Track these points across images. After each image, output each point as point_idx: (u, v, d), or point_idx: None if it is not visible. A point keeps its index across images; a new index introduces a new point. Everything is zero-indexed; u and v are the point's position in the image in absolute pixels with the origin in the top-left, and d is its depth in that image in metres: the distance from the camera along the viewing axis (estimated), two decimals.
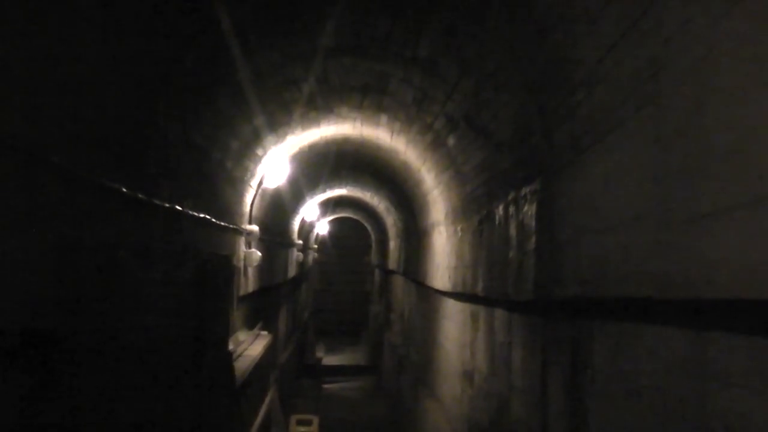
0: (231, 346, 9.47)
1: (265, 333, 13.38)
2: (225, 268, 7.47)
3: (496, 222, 7.28)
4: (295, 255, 22.04)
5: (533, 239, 5.74)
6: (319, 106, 10.08)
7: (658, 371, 3.49)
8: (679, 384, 3.23)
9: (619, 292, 3.81)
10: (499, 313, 7.55)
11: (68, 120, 4.42)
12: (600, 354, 4.40)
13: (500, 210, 7.09)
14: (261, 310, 14.09)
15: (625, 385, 3.94)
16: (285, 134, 10.73)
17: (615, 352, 4.14)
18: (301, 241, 23.66)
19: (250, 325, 12.79)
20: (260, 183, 11.67)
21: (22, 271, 3.86)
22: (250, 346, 11.46)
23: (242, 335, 11.63)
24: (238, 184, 10.32)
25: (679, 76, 3.04)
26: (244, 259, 11.41)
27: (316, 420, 14.99)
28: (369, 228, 33.32)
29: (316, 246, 33.97)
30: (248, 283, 11.97)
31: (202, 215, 7.86)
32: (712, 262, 2.74)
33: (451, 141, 8.96)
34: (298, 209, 19.49)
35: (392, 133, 11.04)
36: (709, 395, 2.94)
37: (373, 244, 33.99)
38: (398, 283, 21.46)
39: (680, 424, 3.23)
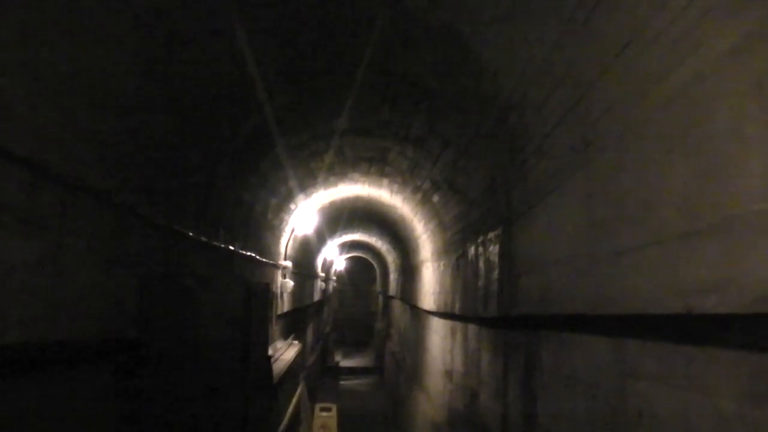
0: (270, 352, 9.43)
1: (296, 342, 13.30)
2: (266, 293, 7.45)
3: (469, 259, 7.28)
4: (319, 284, 21.96)
5: (496, 272, 5.73)
6: (336, 172, 10.12)
7: (589, 369, 3.48)
8: (605, 378, 3.22)
9: (560, 310, 3.81)
10: (472, 327, 7.53)
11: (149, 182, 4.45)
12: (546, 357, 4.39)
13: (472, 250, 7.09)
14: (293, 325, 14.02)
15: (564, 380, 3.92)
16: (311, 193, 10.76)
17: (557, 356, 4.13)
18: (323, 274, 23.59)
19: (285, 336, 12.72)
20: (292, 230, 11.68)
21: (114, 293, 3.87)
22: (284, 352, 11.39)
23: (279, 344, 11.57)
24: (276, 231, 10.33)
25: (603, 148, 3.06)
26: (281, 287, 11.39)
27: (335, 407, 14.85)
28: (375, 264, 33.21)
29: (334, 277, 33.82)
30: (283, 305, 11.93)
31: (248, 254, 7.87)
32: (627, 287, 2.75)
33: (435, 198, 8.98)
34: (321, 249, 19.45)
35: (392, 192, 11.07)
36: (627, 386, 2.93)
37: (378, 276, 33.86)
38: (396, 305, 21.37)
39: (605, 408, 3.22)
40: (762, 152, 1.78)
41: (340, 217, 15.09)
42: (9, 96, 2.62)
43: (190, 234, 5.34)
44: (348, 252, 30.80)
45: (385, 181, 10.51)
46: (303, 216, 11.49)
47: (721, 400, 2.12)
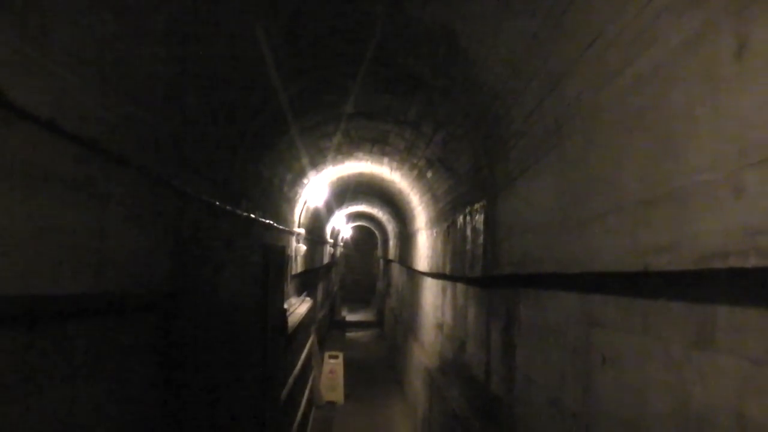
0: (285, 306, 9.49)
1: (308, 299, 13.36)
2: (282, 255, 7.51)
3: (458, 227, 7.32)
4: (328, 249, 22.00)
5: (481, 237, 5.77)
6: (343, 151, 10.11)
7: (560, 320, 3.53)
8: (574, 328, 3.27)
9: (536, 270, 3.85)
10: (460, 286, 7.58)
11: (181, 158, 4.47)
12: (524, 310, 4.43)
13: (460, 219, 7.13)
14: (306, 284, 14.08)
15: (539, 330, 3.98)
16: (321, 169, 10.76)
17: (533, 309, 4.17)
18: (332, 240, 23.61)
19: (298, 293, 12.78)
20: (305, 201, 11.70)
21: (151, 253, 3.91)
22: (298, 307, 11.45)
23: (293, 300, 11.63)
24: (290, 202, 10.35)
25: (574, 129, 3.09)
26: (295, 251, 11.42)
27: (341, 355, 14.96)
28: (376, 232, 33.22)
29: (341, 244, 33.83)
30: (297, 266, 11.97)
31: (267, 221, 7.90)
32: (593, 248, 2.78)
33: (429, 174, 8.99)
34: (330, 219, 19.45)
35: (391, 169, 11.07)
36: (592, 335, 2.98)
37: (379, 243, 33.88)
38: (395, 268, 21.45)
39: (574, 353, 3.27)
40: (708, 130, 1.81)
41: (346, 191, 15.10)
42: (66, 83, 2.64)
43: (216, 203, 5.36)
44: (353, 221, 30.82)
45: (386, 159, 10.51)
46: (314, 189, 11.50)
47: (671, 346, 2.17)
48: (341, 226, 26.31)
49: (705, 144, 1.82)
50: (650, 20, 2.16)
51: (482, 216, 5.76)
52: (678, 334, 2.12)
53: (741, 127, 1.64)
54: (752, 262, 1.57)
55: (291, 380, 9.01)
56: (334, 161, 10.68)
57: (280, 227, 9.16)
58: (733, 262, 1.66)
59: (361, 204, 20.32)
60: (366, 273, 38.94)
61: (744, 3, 1.63)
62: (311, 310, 13.42)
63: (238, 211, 6.24)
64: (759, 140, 1.56)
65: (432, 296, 10.69)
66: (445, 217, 8.53)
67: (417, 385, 11.87)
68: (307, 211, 12.38)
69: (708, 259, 1.79)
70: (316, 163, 10.06)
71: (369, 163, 11.18)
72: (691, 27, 1.90)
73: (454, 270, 7.70)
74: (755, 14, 1.58)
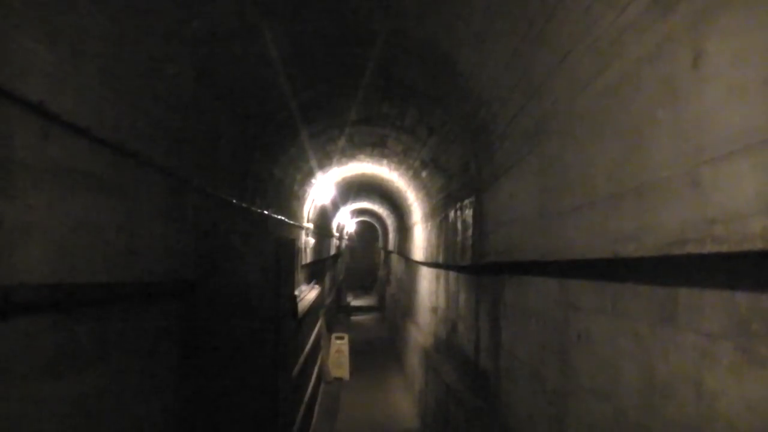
0: (296, 293, 9.49)
1: (317, 286, 13.34)
2: (292, 247, 7.47)
3: (450, 220, 7.33)
4: (334, 242, 21.94)
5: (470, 230, 5.79)
6: (347, 154, 10.11)
7: (540, 303, 3.55)
8: (553, 310, 3.29)
9: (519, 258, 3.86)
10: (452, 273, 7.60)
11: (202, 160, 4.49)
12: (508, 294, 4.45)
13: (452, 213, 7.14)
14: (314, 273, 14.07)
15: (522, 312, 3.99)
16: (327, 170, 10.76)
17: (517, 293, 4.19)
18: (337, 234, 23.58)
19: (308, 281, 12.76)
20: (313, 199, 11.69)
21: (175, 246, 3.93)
22: (307, 294, 11.44)
23: (303, 287, 11.60)
24: (300, 199, 10.36)
25: (552, 132, 3.10)
26: (304, 243, 11.41)
27: (347, 336, 14.98)
28: (377, 226, 33.14)
29: (346, 237, 33.74)
30: (307, 257, 11.97)
31: (279, 217, 7.91)
32: (569, 238, 2.80)
33: (424, 174, 9.00)
34: (336, 215, 19.43)
35: (390, 170, 11.07)
36: (570, 316, 2.99)
37: (380, 236, 33.83)
38: (394, 258, 21.44)
39: (552, 332, 3.28)
40: (668, 132, 1.82)
41: (350, 189, 15.08)
42: (100, 94, 2.65)
43: (234, 201, 5.38)
44: (357, 217, 30.77)
45: (385, 161, 10.52)
46: (321, 188, 11.49)
47: (638, 324, 2.19)
48: (346, 221, 26.29)
49: (666, 144, 1.83)
50: (616, 35, 2.17)
51: (471, 210, 5.77)
52: (644, 314, 2.14)
53: (697, 129, 1.65)
54: (708, 248, 1.59)
55: (302, 359, 9.01)
56: (339, 163, 10.68)
57: (291, 222, 9.17)
58: (692, 249, 1.67)
59: (364, 201, 20.30)
60: (368, 263, 38.90)
61: (700, 18, 1.64)
62: (319, 296, 13.43)
63: (253, 208, 6.26)
64: (713, 140, 1.57)
65: (427, 283, 10.71)
66: (439, 212, 8.54)
67: (414, 362, 11.89)
68: (315, 207, 12.38)
69: (670, 246, 1.80)
70: (323, 164, 10.06)
71: (370, 164, 11.18)
72: (653, 40, 1.91)
73: (446, 259, 7.72)
74: (710, 28, 1.60)
